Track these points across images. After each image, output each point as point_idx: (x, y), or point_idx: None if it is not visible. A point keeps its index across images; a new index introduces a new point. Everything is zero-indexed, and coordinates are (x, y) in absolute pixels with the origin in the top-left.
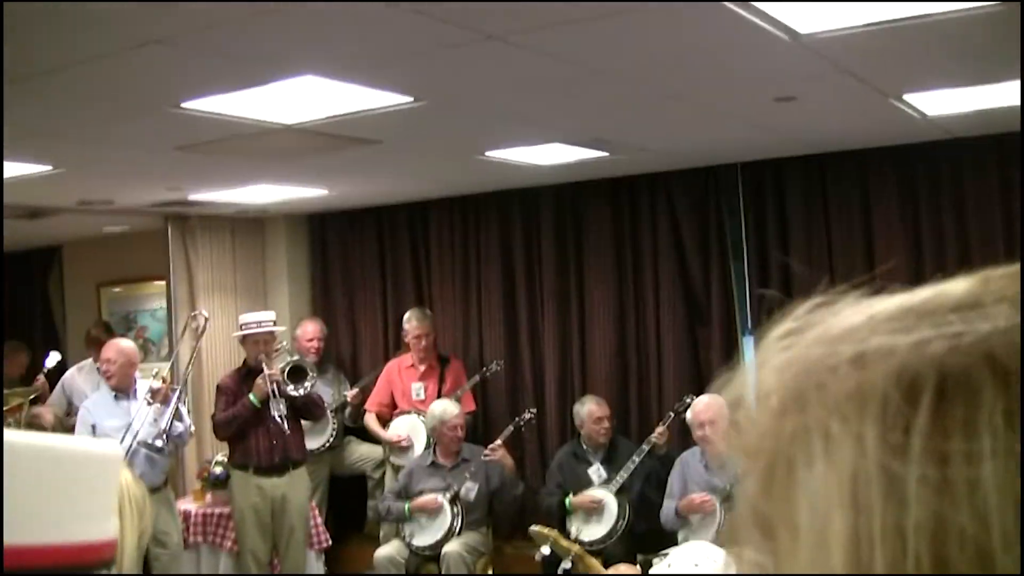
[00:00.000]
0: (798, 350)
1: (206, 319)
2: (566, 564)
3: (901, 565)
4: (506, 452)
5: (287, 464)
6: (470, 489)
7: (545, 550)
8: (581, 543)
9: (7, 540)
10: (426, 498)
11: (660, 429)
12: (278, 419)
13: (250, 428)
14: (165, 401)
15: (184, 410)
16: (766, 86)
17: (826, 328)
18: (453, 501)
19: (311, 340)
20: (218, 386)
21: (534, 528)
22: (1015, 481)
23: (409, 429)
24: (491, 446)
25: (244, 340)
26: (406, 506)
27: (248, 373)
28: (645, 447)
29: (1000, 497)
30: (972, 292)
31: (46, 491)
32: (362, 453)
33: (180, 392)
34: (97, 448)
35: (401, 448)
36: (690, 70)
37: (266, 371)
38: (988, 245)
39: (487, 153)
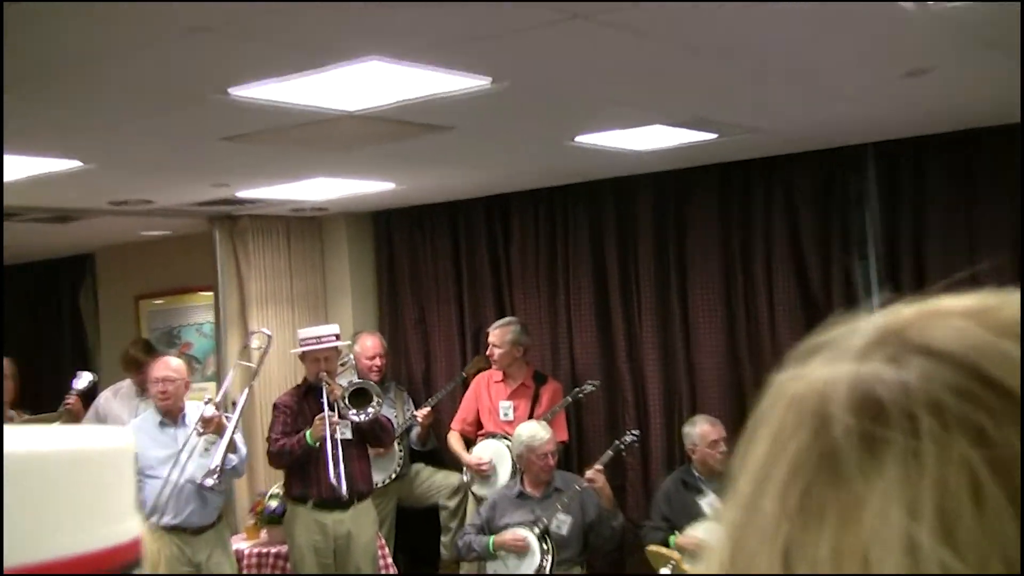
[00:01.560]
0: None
1: (268, 338)
2: None
3: None
4: (605, 480)
5: (351, 496)
6: (562, 523)
7: (665, 571)
8: None
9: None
10: (512, 535)
11: None
12: (339, 446)
13: (310, 456)
14: (219, 431)
15: (239, 439)
16: (893, 59)
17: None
18: (543, 536)
19: (373, 358)
20: (275, 405)
21: (651, 548)
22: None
23: (493, 456)
24: (590, 472)
25: (304, 357)
26: (489, 541)
27: (308, 391)
28: None
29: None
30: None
31: (49, 500)
32: (434, 481)
33: (237, 421)
34: (103, 442)
35: (481, 474)
36: (805, 44)
37: (326, 392)
38: None
39: (576, 139)
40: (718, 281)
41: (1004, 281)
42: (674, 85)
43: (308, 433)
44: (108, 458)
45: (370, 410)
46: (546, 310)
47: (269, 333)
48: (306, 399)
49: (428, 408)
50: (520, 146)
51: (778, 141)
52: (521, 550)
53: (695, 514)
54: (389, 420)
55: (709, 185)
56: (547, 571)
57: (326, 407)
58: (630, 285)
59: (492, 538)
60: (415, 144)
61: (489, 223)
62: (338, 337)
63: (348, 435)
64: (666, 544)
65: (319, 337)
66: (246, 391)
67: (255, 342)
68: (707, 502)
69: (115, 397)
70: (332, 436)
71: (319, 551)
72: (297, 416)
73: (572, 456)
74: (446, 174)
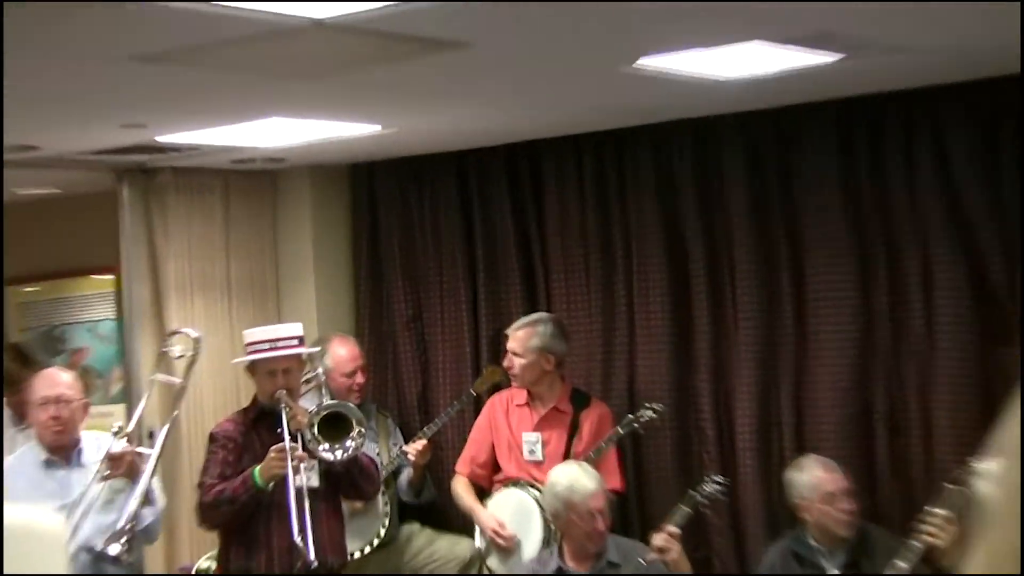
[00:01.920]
0: None
1: (196, 340)
2: None
3: None
4: (681, 549)
5: (317, 573)
6: None
7: None
8: None
9: None
10: None
11: (933, 523)
12: (304, 497)
13: (257, 511)
14: (131, 475)
15: (156, 487)
16: None
17: None
18: None
19: (353, 374)
20: (212, 435)
21: None
22: None
23: (515, 512)
24: (658, 539)
25: (253, 369)
26: None
27: (260, 417)
28: (917, 545)
29: None
30: None
31: None
32: (435, 551)
33: (156, 461)
34: (26, 519)
35: (501, 547)
36: None
37: (285, 419)
38: None
39: (641, 61)
40: (844, 267)
41: None
42: None
43: (257, 471)
44: (29, 540)
45: (349, 444)
46: (595, 304)
47: (196, 334)
48: (256, 429)
49: (424, 440)
50: (560, 72)
51: (927, 65)
52: None
53: None
54: (372, 460)
55: (827, 129)
56: None
57: (286, 438)
58: (718, 269)
59: None
60: (413, 69)
61: (514, 182)
62: (302, 341)
63: (315, 481)
64: None
65: (274, 341)
66: (170, 419)
67: (177, 348)
68: None
69: None
70: (295, 476)
71: None
72: (243, 452)
73: (630, 512)
74: (455, 112)
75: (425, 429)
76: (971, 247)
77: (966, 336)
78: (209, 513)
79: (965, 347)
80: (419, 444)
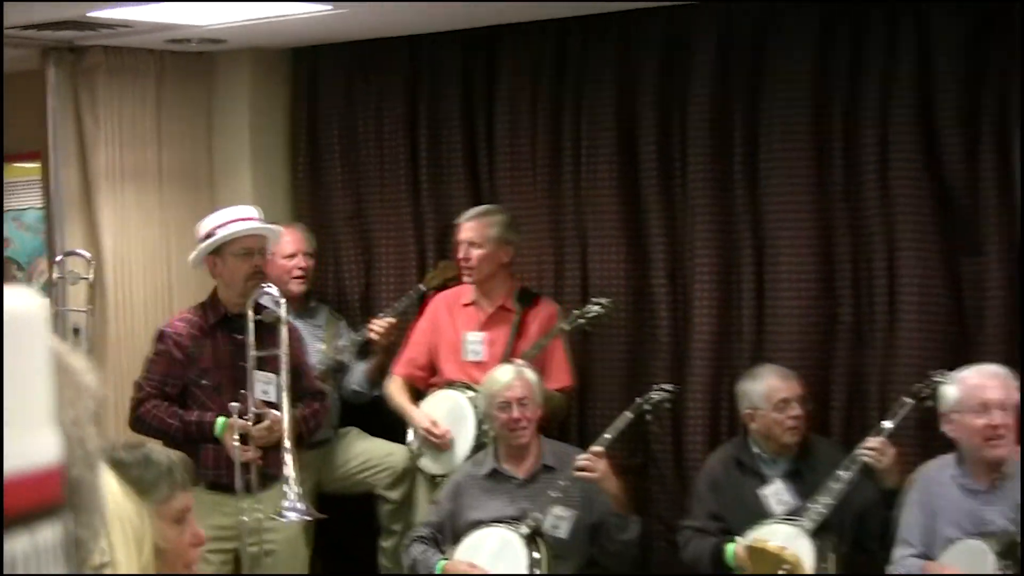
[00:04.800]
0: None
1: (90, 263)
2: None
3: None
4: (608, 468)
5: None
6: (560, 520)
7: None
8: None
9: None
10: (468, 567)
11: (876, 442)
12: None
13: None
14: None
15: None
16: None
17: None
18: (532, 540)
19: (291, 257)
20: (160, 334)
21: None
22: None
23: (449, 414)
24: (582, 459)
25: (222, 253)
26: (439, 564)
27: (223, 322)
28: (863, 457)
29: None
30: None
31: None
32: (368, 459)
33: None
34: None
35: (435, 444)
36: None
37: (251, 323)
38: None
39: None
40: (808, 166)
41: None
42: None
43: (222, 426)
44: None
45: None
46: (543, 199)
47: (89, 255)
48: (212, 337)
49: (391, 320)
50: None
51: None
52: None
53: (754, 510)
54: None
55: (803, 23)
56: None
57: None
58: (673, 166)
59: (442, 563)
60: None
61: (467, 71)
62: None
63: (271, 394)
64: (721, 555)
65: (248, 219)
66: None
67: (73, 274)
68: (773, 493)
69: None
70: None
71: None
72: (189, 364)
73: (573, 420)
74: None
75: (388, 309)
76: (933, 156)
77: (930, 244)
78: (143, 431)
79: (928, 256)
80: (385, 321)
